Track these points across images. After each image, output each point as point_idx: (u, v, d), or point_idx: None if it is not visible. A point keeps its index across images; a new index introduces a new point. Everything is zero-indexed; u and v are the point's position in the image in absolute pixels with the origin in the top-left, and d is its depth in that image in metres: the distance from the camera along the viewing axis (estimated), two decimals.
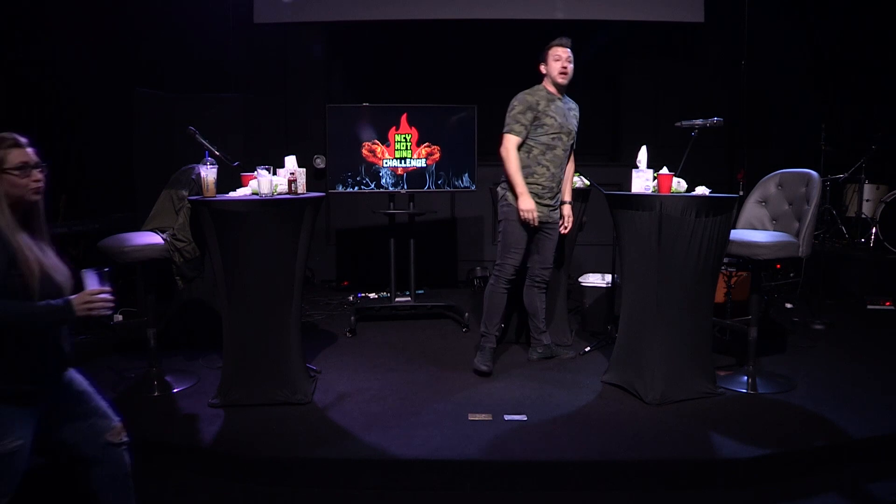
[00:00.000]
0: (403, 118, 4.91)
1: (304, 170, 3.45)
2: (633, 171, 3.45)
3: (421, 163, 4.95)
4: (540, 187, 3.74)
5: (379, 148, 4.91)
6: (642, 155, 3.49)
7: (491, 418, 3.09)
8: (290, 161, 3.44)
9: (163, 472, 2.83)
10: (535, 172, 3.74)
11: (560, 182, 3.84)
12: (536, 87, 3.78)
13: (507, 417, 3.10)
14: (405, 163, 4.94)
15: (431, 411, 3.19)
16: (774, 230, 3.67)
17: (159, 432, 3.01)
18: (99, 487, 2.21)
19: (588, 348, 4.19)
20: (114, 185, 5.61)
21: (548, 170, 3.74)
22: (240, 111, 5.43)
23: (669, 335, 3.29)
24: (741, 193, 4.83)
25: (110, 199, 5.58)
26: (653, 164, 3.47)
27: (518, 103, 3.72)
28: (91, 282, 2.00)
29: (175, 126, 4.65)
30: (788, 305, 5.31)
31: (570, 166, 3.95)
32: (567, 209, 3.95)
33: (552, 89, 3.75)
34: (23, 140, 2.07)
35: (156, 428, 3.05)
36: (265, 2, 6.26)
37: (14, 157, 2.03)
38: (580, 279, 4.85)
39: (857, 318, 5.04)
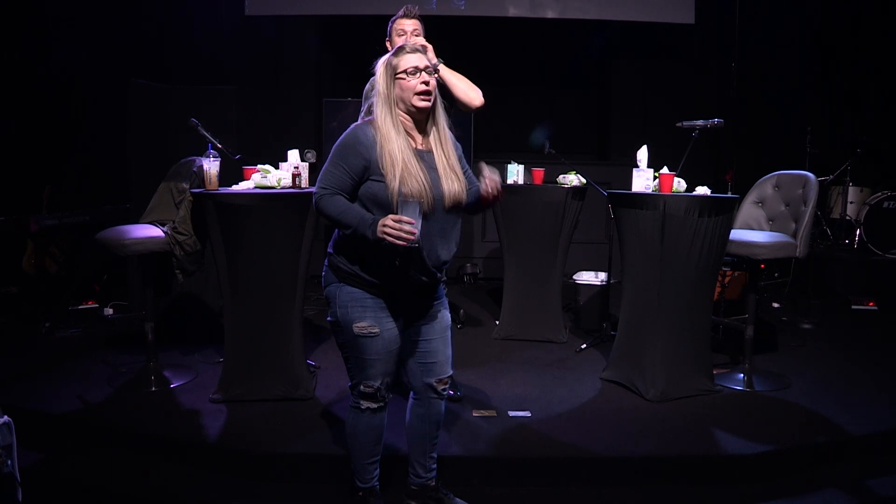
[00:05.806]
0: None
1: (307, 164, 3.42)
2: (634, 170, 3.45)
3: None
4: None
5: None
6: (643, 154, 3.50)
7: (496, 415, 3.10)
8: (293, 155, 3.40)
9: (165, 467, 2.79)
10: None
11: None
12: None
13: (511, 414, 3.11)
14: None
15: None
16: (771, 231, 3.72)
17: (160, 427, 2.97)
18: (410, 417, 2.39)
19: (584, 345, 4.22)
20: (106, 176, 5.52)
21: None
22: (233, 104, 5.35)
23: (670, 333, 3.32)
24: (729, 194, 4.90)
25: (102, 191, 5.49)
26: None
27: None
28: (406, 210, 1.93)
29: (170, 118, 4.57)
30: (775, 305, 5.39)
31: None
32: None
33: None
34: (420, 48, 2.09)
35: (157, 423, 3.01)
36: None
37: (406, 61, 2.06)
38: (574, 277, 4.88)
39: (842, 317, 5.14)
